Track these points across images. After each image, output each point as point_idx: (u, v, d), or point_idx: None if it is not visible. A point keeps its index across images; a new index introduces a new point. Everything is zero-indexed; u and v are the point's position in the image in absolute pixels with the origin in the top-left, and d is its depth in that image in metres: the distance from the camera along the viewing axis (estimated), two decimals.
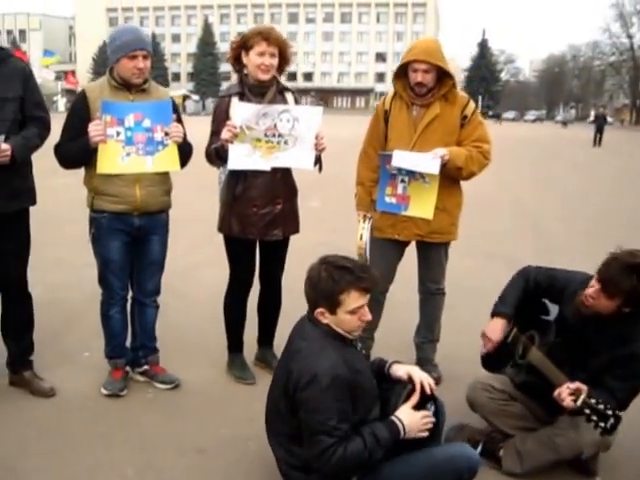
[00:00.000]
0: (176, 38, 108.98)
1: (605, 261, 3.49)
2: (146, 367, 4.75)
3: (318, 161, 4.54)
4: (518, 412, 3.89)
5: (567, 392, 3.36)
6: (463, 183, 4.74)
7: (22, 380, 4.55)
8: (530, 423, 3.85)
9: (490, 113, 74.95)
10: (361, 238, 4.74)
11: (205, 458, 3.83)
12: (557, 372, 3.55)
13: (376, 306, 4.91)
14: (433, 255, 4.82)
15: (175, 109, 4.36)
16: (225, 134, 4.23)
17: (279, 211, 4.53)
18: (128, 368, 4.75)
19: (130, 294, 4.65)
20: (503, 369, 4.04)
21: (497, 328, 3.89)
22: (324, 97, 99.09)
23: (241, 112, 4.25)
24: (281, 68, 4.48)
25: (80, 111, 4.21)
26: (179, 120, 4.35)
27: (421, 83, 4.45)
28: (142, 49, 4.15)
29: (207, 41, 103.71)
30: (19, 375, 4.57)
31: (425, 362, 4.96)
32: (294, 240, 4.83)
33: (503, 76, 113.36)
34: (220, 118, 4.38)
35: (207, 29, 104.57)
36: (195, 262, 7.64)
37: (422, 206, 4.59)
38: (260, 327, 5.04)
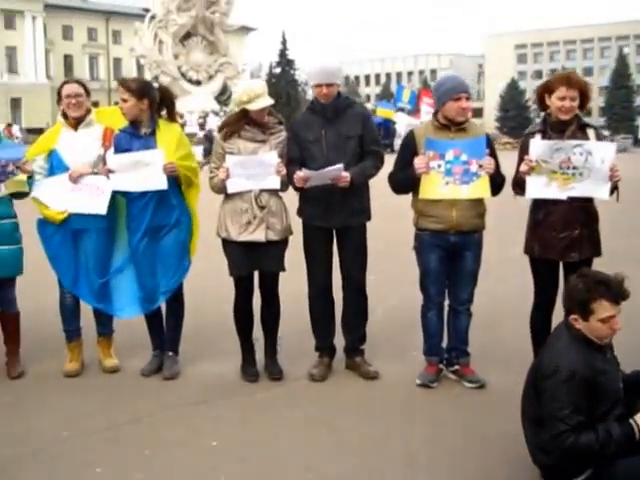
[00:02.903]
0: (588, 72, 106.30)
1: None
2: (457, 367, 5.47)
3: (614, 190, 4.89)
4: None
5: None
6: None
7: (354, 364, 5.60)
8: None
9: None
10: None
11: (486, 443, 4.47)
12: None
13: None
14: None
15: (489, 144, 5.09)
16: (522, 167, 4.86)
17: (576, 235, 4.92)
18: (442, 366, 5.52)
19: (447, 302, 5.45)
20: None
21: None
22: None
23: (536, 148, 4.83)
24: (583, 105, 4.91)
25: (409, 147, 5.21)
26: (492, 154, 5.06)
27: None
28: (465, 92, 5.01)
29: (621, 73, 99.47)
30: (351, 360, 5.63)
31: None
32: None
33: None
34: (524, 154, 4.95)
35: (621, 61, 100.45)
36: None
37: None
38: None
